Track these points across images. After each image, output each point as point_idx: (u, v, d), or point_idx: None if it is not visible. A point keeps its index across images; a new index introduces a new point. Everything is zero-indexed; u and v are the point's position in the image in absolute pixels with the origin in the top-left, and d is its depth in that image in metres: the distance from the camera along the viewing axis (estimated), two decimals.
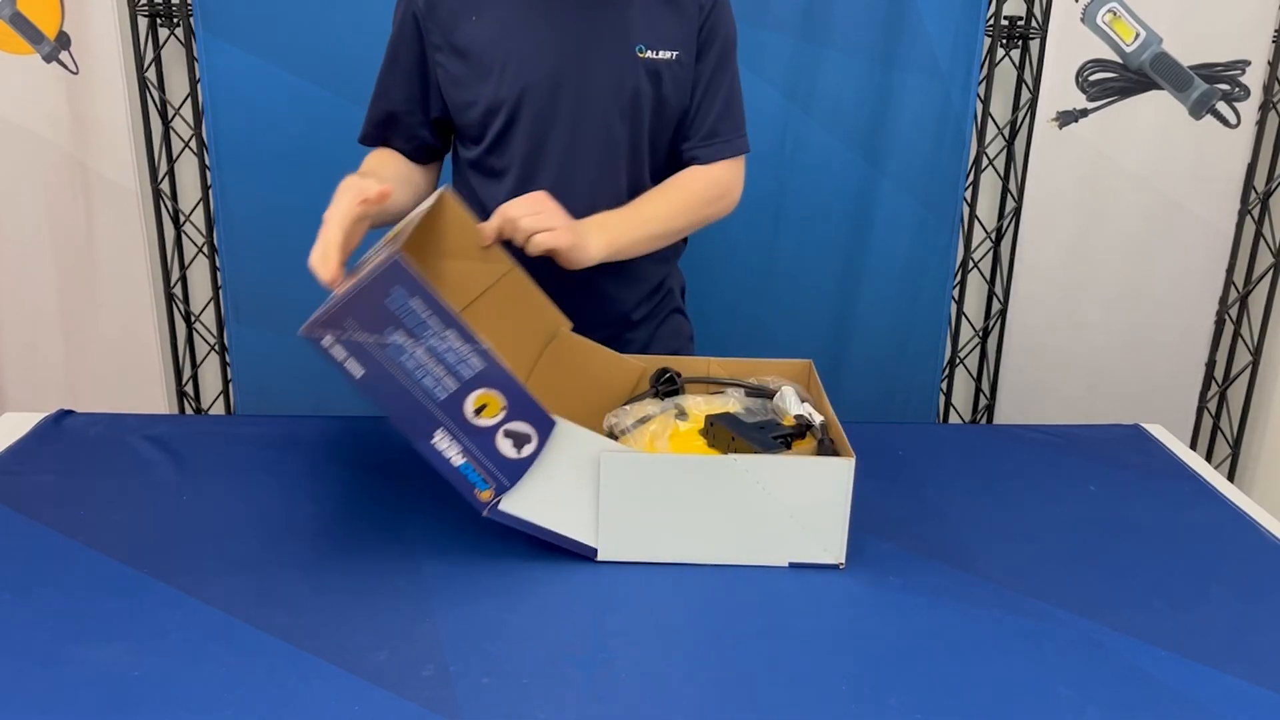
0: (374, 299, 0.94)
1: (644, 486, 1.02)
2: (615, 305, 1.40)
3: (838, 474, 1.02)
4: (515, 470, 1.01)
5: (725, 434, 1.09)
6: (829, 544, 1.05)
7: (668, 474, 1.02)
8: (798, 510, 1.03)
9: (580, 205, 1.26)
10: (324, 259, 0.97)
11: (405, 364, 0.96)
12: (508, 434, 1.00)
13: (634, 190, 1.34)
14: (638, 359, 1.28)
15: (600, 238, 1.21)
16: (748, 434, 1.08)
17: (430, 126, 1.34)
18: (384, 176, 1.24)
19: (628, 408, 1.19)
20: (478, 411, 0.99)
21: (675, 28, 1.27)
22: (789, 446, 1.09)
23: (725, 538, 1.04)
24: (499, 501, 1.03)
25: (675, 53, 1.27)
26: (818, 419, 1.12)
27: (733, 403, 1.18)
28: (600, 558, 1.05)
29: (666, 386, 1.23)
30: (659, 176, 1.36)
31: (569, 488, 1.03)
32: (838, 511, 1.03)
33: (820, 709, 0.83)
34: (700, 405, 1.18)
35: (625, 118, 1.28)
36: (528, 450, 1.00)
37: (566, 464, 1.03)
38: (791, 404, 1.16)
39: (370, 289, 0.93)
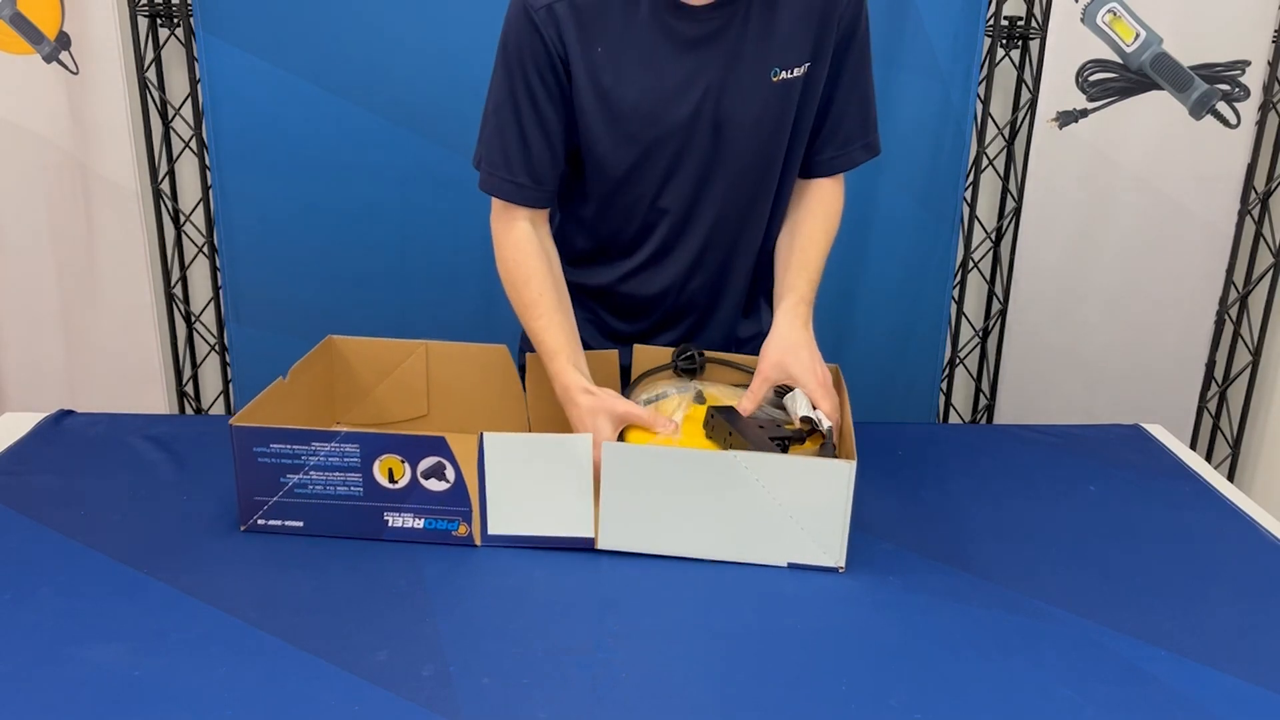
0: (250, 466, 1.07)
1: (645, 479, 1.03)
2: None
3: (837, 477, 1.01)
4: (459, 496, 1.06)
5: (724, 428, 1.09)
6: (828, 546, 1.04)
7: (668, 468, 1.02)
8: (797, 511, 1.03)
9: (715, 230, 1.26)
10: None
11: (315, 490, 1.07)
12: (425, 475, 1.06)
13: (777, 205, 1.29)
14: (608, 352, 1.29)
15: (809, 332, 1.22)
16: (745, 431, 1.08)
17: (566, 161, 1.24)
18: (564, 303, 1.23)
19: (645, 380, 1.20)
20: (392, 479, 1.06)
21: (807, 35, 1.17)
22: (785, 450, 1.08)
23: (724, 534, 1.04)
24: (485, 528, 1.07)
25: (807, 64, 1.19)
26: (826, 424, 1.11)
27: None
28: (600, 546, 1.06)
29: (686, 364, 1.24)
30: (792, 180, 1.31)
31: (544, 491, 1.05)
32: (837, 514, 1.03)
33: (820, 709, 0.83)
34: (720, 394, 1.18)
35: (761, 144, 1.22)
36: (450, 474, 1.05)
37: (533, 470, 1.04)
38: (802, 406, 1.13)
39: (241, 463, 1.07)
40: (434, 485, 1.06)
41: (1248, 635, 0.95)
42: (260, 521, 1.09)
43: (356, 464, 1.06)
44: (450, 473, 1.05)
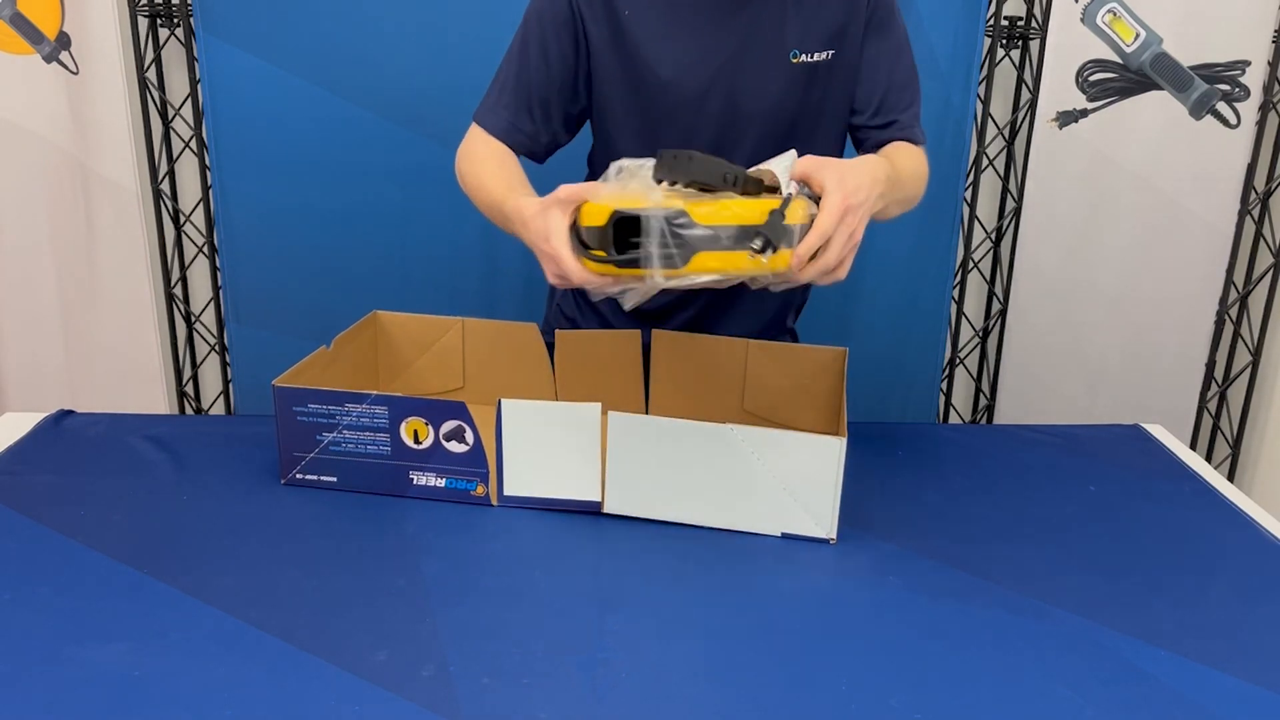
0: (290, 424, 1.15)
1: (648, 449, 1.08)
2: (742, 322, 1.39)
3: (829, 451, 1.05)
4: (477, 458, 1.13)
5: (669, 155, 0.98)
6: (820, 518, 1.08)
7: (670, 439, 1.07)
8: (790, 483, 1.07)
9: None
10: (575, 272, 0.98)
11: (347, 448, 1.15)
12: (448, 437, 1.13)
13: None
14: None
15: (872, 185, 1.01)
16: (704, 165, 0.97)
17: (566, 122, 1.25)
18: (517, 172, 1.20)
19: (624, 160, 1.07)
20: (417, 440, 1.14)
21: (831, 22, 1.18)
22: (735, 181, 0.96)
23: (721, 503, 1.09)
24: (502, 489, 1.14)
25: (830, 51, 1.18)
26: (787, 190, 0.98)
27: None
28: (606, 510, 1.12)
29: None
30: None
31: (556, 456, 1.11)
32: (828, 487, 1.07)
33: (820, 708, 0.83)
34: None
35: (777, 126, 1.22)
36: (470, 437, 1.12)
37: (546, 436, 1.10)
38: (779, 168, 1.02)
39: (282, 420, 1.15)
40: (455, 447, 1.13)
41: (1248, 635, 0.95)
42: (298, 476, 1.18)
43: (385, 425, 1.13)
44: (469, 436, 1.12)
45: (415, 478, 1.16)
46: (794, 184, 0.98)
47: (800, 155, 1.23)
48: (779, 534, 1.10)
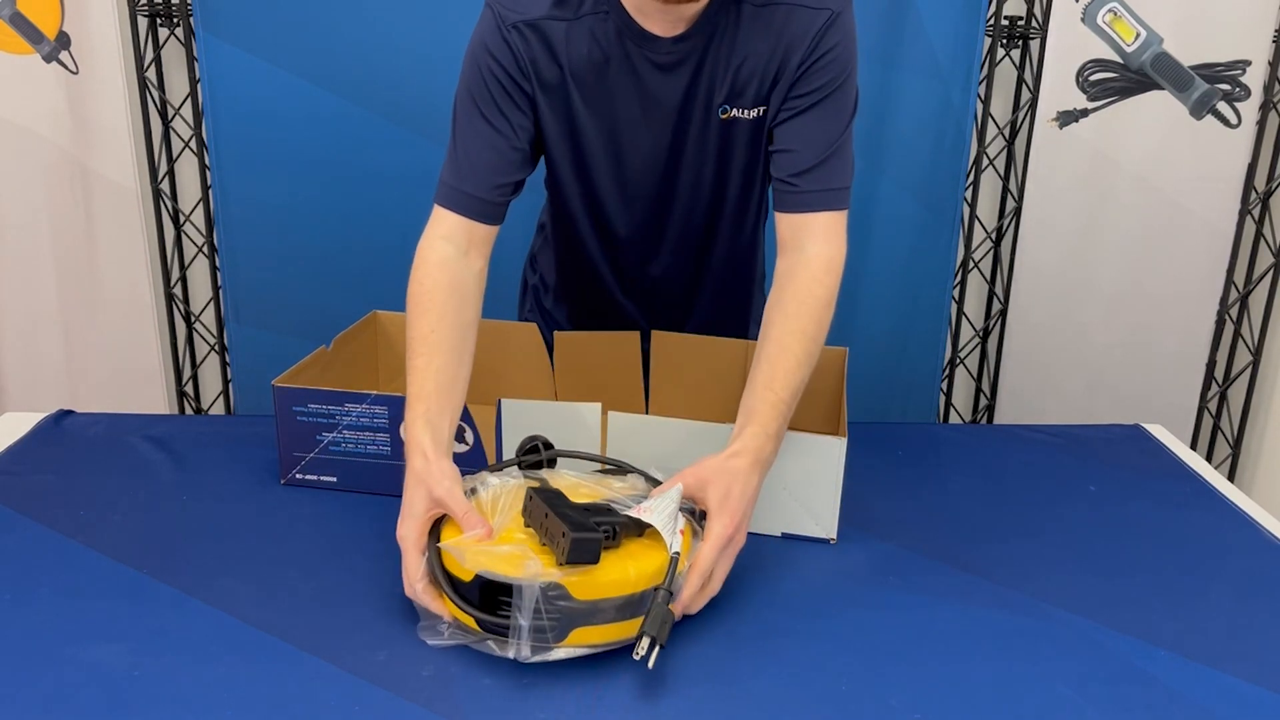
0: (289, 424, 1.16)
1: (648, 448, 1.08)
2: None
3: (829, 451, 1.06)
4: (477, 458, 1.13)
5: (540, 510, 0.89)
6: (820, 519, 1.09)
7: (670, 438, 1.08)
8: (791, 484, 1.07)
9: (662, 255, 1.29)
10: (423, 593, 0.92)
11: (347, 448, 1.15)
12: None
13: (746, 226, 1.30)
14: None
15: (759, 477, 0.99)
16: (564, 512, 0.88)
17: (518, 188, 1.18)
18: (457, 347, 1.08)
19: (489, 476, 1.01)
20: None
21: (761, 80, 1.13)
22: (613, 537, 0.89)
23: None
24: None
25: (761, 108, 1.16)
26: (674, 546, 0.89)
27: (605, 492, 0.97)
28: None
29: (530, 457, 1.07)
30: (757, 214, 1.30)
31: None
32: (829, 488, 1.07)
33: (820, 708, 0.83)
34: (572, 487, 0.97)
35: (710, 178, 1.22)
36: (470, 437, 1.12)
37: (546, 435, 1.10)
38: (656, 512, 0.91)
39: (282, 420, 1.15)
40: (455, 447, 1.10)
41: (1248, 635, 0.95)
42: (298, 476, 1.18)
43: (385, 424, 1.14)
44: (469, 435, 1.13)
45: None
46: (682, 517, 0.93)
47: (730, 200, 1.24)
48: (779, 534, 1.10)
